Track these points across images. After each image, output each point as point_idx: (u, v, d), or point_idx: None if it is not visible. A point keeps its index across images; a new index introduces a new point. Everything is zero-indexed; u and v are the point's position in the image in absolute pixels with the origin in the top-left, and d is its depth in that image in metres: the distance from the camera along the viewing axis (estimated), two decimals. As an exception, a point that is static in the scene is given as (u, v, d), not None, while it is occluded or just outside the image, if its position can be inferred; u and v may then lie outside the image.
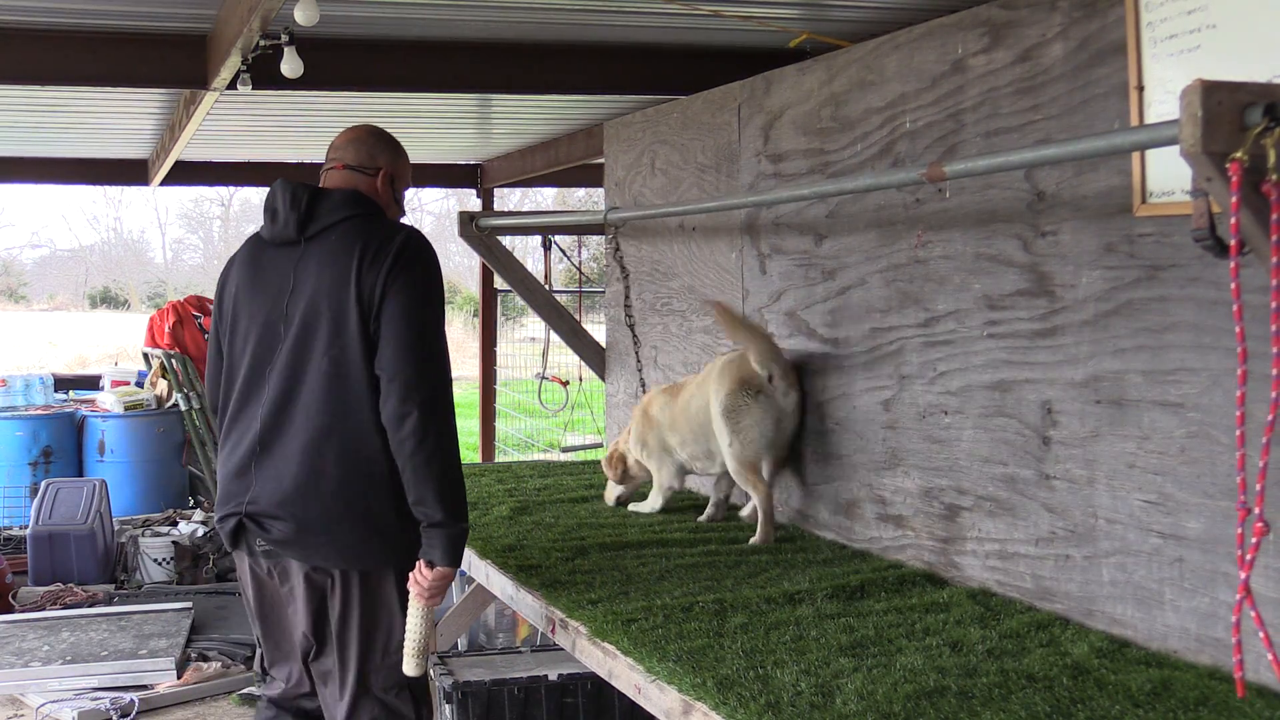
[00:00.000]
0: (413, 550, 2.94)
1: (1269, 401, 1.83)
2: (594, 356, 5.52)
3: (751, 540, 3.81)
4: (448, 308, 3.27)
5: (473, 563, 3.87)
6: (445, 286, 3.01)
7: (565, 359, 6.62)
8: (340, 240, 2.97)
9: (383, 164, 3.17)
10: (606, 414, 5.55)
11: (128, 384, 9.19)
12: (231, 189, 34.32)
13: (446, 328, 3.09)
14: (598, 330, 5.96)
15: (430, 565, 2.91)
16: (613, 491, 4.48)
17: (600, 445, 5.27)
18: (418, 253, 2.96)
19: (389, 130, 3.32)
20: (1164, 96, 2.61)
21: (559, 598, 3.27)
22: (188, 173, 8.43)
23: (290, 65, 4.33)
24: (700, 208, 4.13)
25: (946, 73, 3.30)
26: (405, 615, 2.98)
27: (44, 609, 6.14)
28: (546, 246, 5.34)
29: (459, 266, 31.22)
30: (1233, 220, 1.82)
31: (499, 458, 9.22)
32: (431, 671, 4.62)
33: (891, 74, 3.53)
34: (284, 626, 3.14)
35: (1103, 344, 2.82)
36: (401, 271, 2.91)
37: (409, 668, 2.95)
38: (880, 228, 3.60)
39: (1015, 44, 3.06)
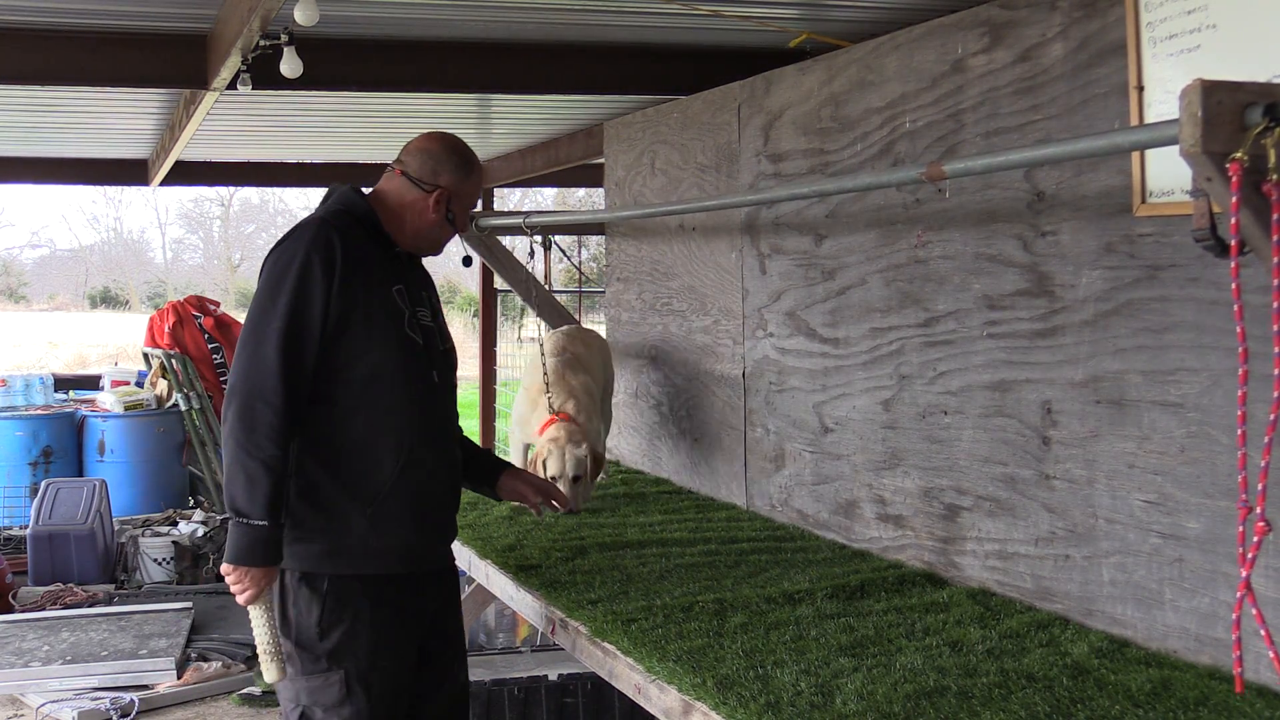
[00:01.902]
0: (292, 550, 2.81)
1: (1270, 401, 1.83)
2: (594, 356, 5.52)
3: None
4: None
5: (473, 562, 3.87)
6: (319, 269, 2.74)
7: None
8: None
9: (445, 183, 2.96)
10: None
11: (128, 384, 9.19)
12: (231, 189, 34.38)
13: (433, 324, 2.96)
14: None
15: None
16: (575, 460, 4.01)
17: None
18: (286, 243, 2.81)
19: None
20: (1164, 96, 2.61)
21: (559, 598, 3.27)
22: (188, 173, 8.44)
23: (290, 65, 4.33)
24: (698, 206, 4.14)
25: (946, 73, 3.30)
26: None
27: (44, 609, 6.14)
28: (546, 246, 5.34)
29: (459, 266, 31.18)
30: (1233, 220, 1.82)
31: (499, 458, 9.20)
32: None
33: (891, 74, 3.53)
34: None
35: (1103, 344, 2.82)
36: (270, 256, 2.82)
37: (265, 674, 2.80)
38: (880, 228, 3.60)
39: (1015, 44, 3.06)
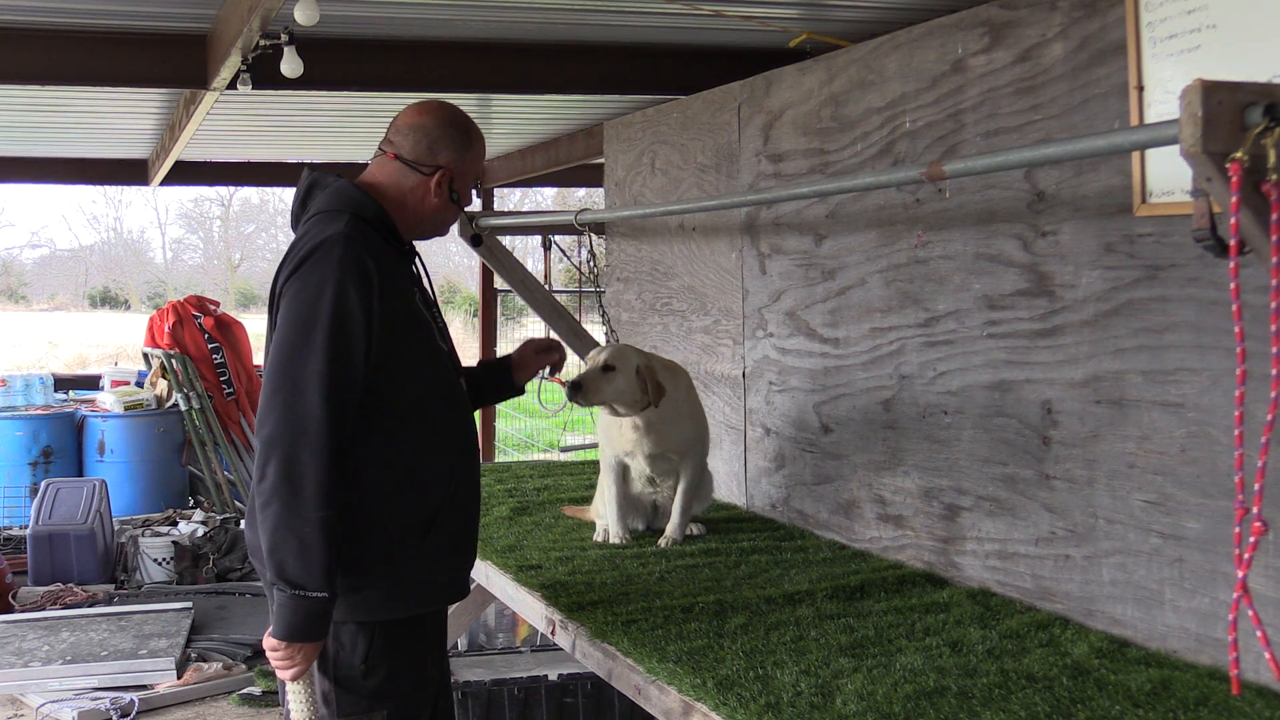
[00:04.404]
0: (348, 600, 2.54)
1: (1268, 401, 1.83)
2: (594, 356, 5.51)
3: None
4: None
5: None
6: (355, 296, 2.45)
7: (568, 359, 6.61)
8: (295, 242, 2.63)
9: (444, 162, 2.65)
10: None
11: (128, 384, 9.20)
12: (231, 189, 34.42)
13: (434, 331, 2.63)
14: (598, 330, 5.95)
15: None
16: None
17: (597, 446, 5.25)
18: (309, 267, 2.47)
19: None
20: (1164, 96, 2.61)
21: (559, 598, 3.27)
22: (188, 173, 8.45)
23: (290, 65, 4.33)
24: (698, 206, 4.14)
25: (946, 73, 3.30)
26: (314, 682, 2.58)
27: (44, 609, 6.14)
28: (546, 246, 5.34)
29: (459, 266, 31.26)
30: (1233, 220, 1.82)
31: (499, 458, 9.23)
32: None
33: (891, 74, 3.53)
34: None
35: (1103, 344, 2.82)
36: (293, 281, 2.48)
37: None
38: (880, 228, 3.60)
39: (1015, 44, 3.06)
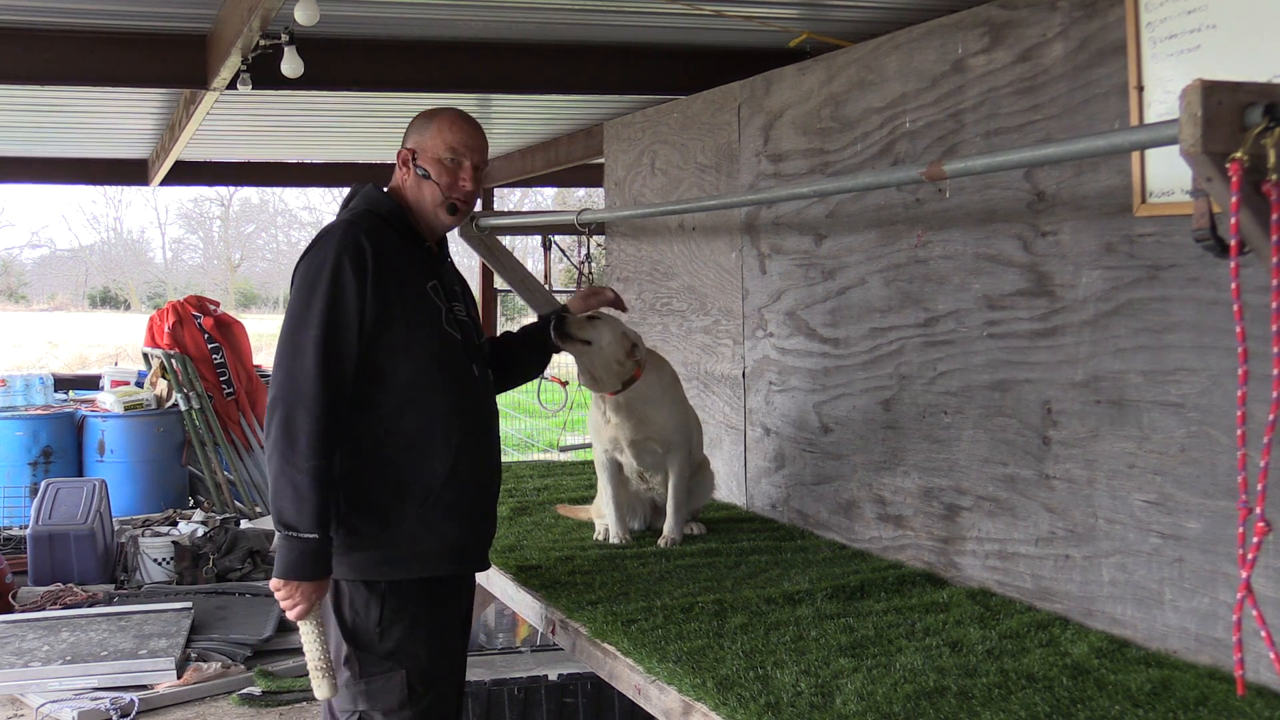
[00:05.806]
0: (349, 559, 2.77)
1: (1269, 401, 1.83)
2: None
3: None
4: None
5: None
6: (350, 272, 2.70)
7: (565, 359, 6.62)
8: None
9: (411, 144, 2.92)
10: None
11: (128, 384, 9.19)
12: (231, 189, 34.42)
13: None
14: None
15: None
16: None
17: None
18: (315, 249, 2.77)
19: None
20: (1164, 96, 2.61)
21: (559, 598, 3.27)
22: (188, 173, 8.46)
23: (290, 65, 4.34)
24: (698, 206, 4.14)
25: (946, 73, 3.30)
26: (329, 629, 2.80)
27: (44, 609, 6.14)
28: (546, 246, 5.34)
29: (459, 267, 31.27)
30: (1233, 220, 1.82)
31: (499, 458, 9.20)
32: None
33: (891, 74, 3.53)
34: None
35: (1103, 344, 2.82)
36: (301, 263, 2.78)
37: (316, 690, 2.73)
38: (880, 228, 3.60)
39: (1015, 44, 3.06)
